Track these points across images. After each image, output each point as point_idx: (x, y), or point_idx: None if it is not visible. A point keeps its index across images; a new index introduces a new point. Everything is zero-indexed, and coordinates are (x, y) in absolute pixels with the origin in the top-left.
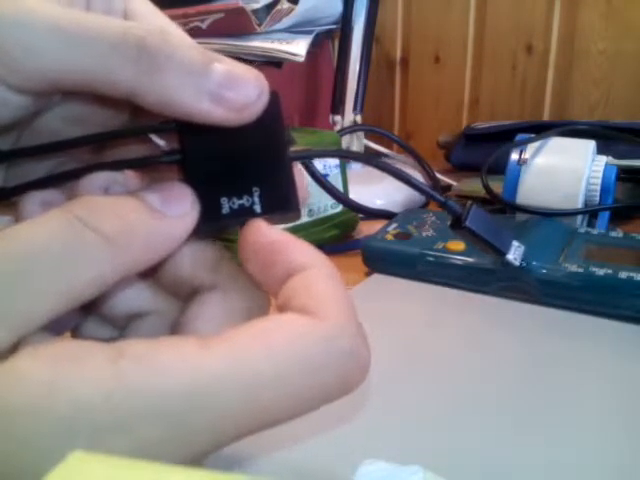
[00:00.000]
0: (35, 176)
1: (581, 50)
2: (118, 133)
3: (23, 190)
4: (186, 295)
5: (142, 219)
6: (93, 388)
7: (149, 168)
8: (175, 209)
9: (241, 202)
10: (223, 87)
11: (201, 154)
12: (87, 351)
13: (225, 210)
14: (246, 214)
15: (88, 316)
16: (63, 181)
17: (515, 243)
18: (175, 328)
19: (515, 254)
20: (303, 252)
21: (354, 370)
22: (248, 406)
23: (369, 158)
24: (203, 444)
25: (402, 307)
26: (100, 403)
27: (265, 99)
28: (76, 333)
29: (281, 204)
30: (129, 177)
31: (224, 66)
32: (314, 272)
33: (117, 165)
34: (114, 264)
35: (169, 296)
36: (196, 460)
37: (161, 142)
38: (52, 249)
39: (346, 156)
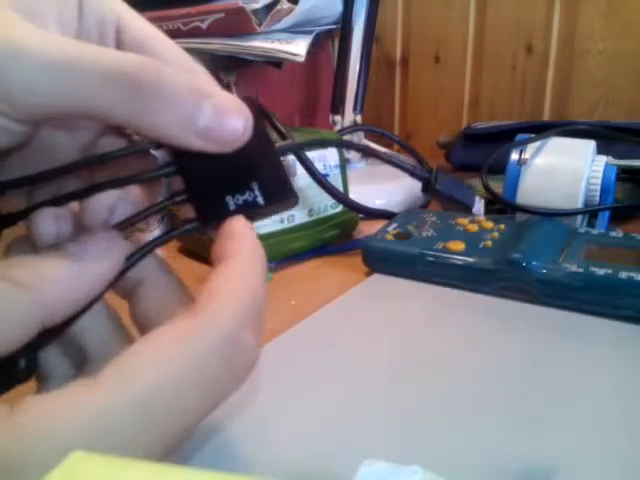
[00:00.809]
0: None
1: (581, 50)
2: (115, 154)
3: (31, 212)
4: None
5: (55, 265)
6: None
7: (149, 181)
8: (92, 253)
9: (245, 197)
10: (211, 127)
11: (196, 163)
12: None
13: (232, 207)
14: (251, 207)
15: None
16: (70, 200)
17: (477, 198)
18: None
19: (478, 206)
20: (239, 240)
21: (238, 354)
22: (146, 423)
23: (346, 143)
24: None
25: (402, 307)
26: (7, 448)
27: (250, 130)
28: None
29: (280, 192)
30: (133, 193)
31: (212, 105)
32: (232, 261)
33: (118, 183)
34: (31, 307)
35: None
36: None
37: (159, 155)
38: None
39: (324, 144)
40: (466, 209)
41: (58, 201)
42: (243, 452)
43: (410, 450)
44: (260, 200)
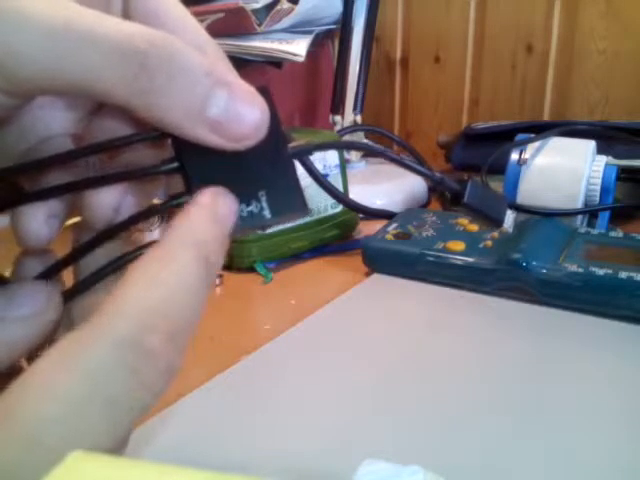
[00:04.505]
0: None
1: (581, 50)
2: (107, 144)
3: (23, 202)
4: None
5: None
6: None
7: (152, 177)
8: (20, 311)
9: (249, 209)
10: (222, 119)
11: (200, 160)
12: None
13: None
14: (256, 220)
15: None
16: (64, 193)
17: (509, 212)
18: None
19: (508, 222)
20: (181, 223)
21: (145, 362)
22: (34, 461)
23: (369, 146)
24: None
25: (402, 307)
26: None
27: (266, 126)
28: None
29: (289, 205)
30: (134, 191)
31: (227, 94)
32: (153, 254)
33: (116, 178)
34: None
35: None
36: None
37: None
38: None
39: (345, 147)
40: (496, 224)
41: (54, 192)
42: (243, 452)
43: (410, 450)
44: (267, 213)
